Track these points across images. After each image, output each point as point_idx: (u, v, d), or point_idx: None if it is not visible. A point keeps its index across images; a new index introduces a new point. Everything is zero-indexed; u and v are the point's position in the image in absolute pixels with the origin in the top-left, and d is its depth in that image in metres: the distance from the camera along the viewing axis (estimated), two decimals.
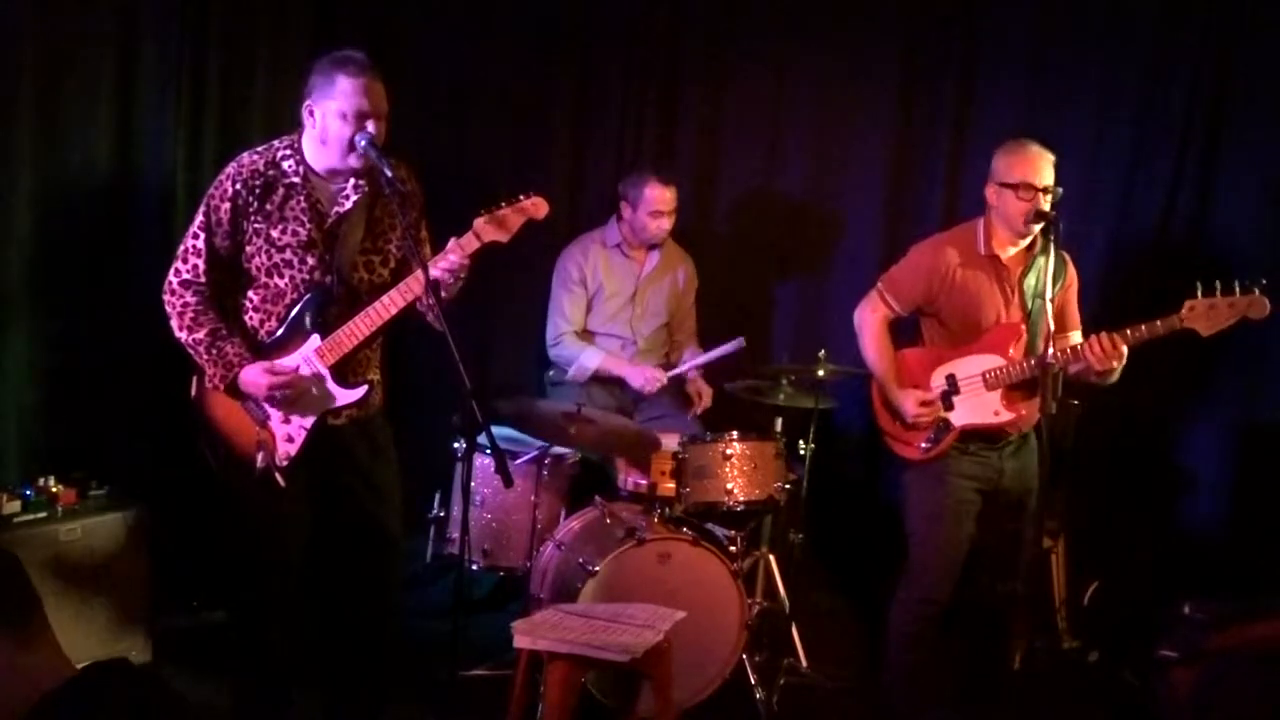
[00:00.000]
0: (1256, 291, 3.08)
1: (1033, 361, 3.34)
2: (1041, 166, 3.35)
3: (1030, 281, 3.44)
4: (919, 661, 3.59)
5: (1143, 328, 3.19)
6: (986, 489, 3.51)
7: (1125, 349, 3.21)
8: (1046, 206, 3.32)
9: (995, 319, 3.46)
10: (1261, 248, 4.20)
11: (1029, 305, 3.44)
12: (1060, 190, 3.34)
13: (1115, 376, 3.30)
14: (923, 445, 3.50)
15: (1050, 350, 3.24)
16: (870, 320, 3.60)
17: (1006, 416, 3.41)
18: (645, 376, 4.22)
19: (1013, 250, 3.46)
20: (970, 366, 3.45)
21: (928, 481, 3.52)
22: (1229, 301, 3.10)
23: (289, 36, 4.12)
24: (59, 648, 1.62)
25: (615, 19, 4.72)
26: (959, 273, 3.46)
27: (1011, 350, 3.41)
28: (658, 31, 4.72)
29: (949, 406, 3.48)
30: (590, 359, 4.27)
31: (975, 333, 3.48)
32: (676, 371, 4.30)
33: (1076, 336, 3.46)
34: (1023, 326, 3.43)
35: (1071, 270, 3.53)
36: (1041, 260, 3.38)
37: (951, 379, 3.48)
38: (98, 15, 3.66)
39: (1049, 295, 3.27)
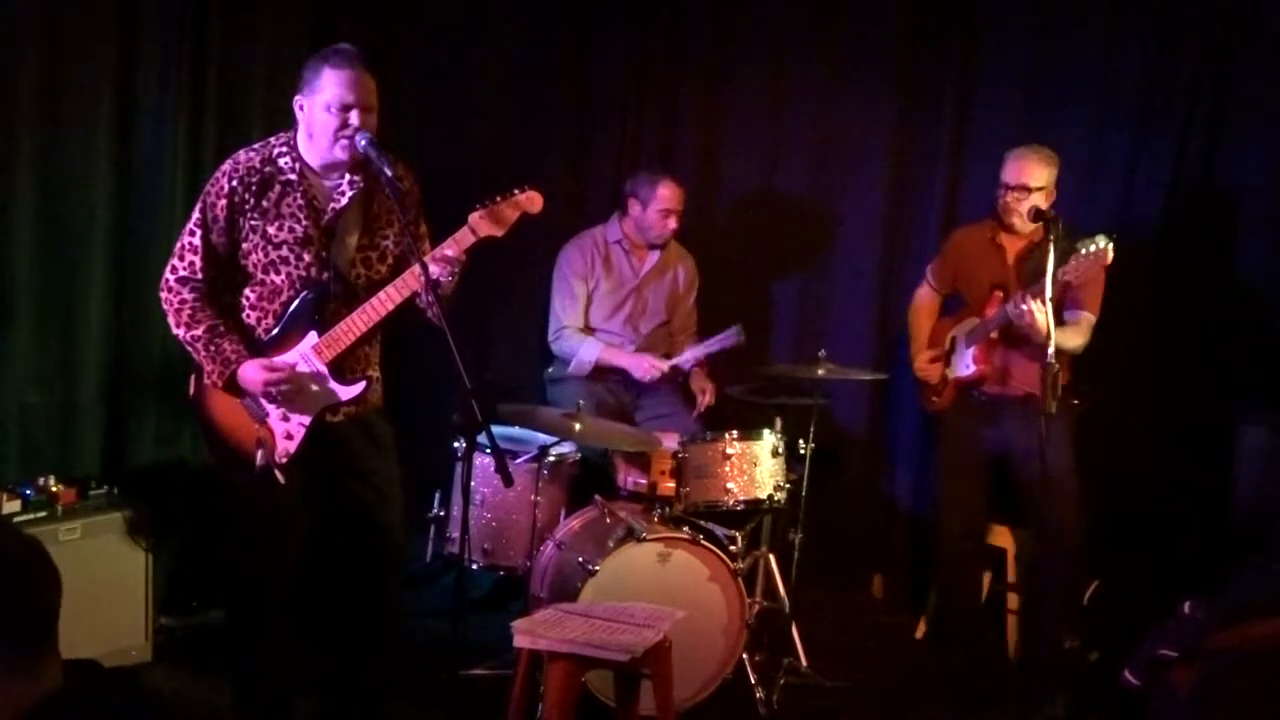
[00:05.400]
0: (1104, 242, 3.34)
1: (996, 312, 3.72)
2: (1027, 168, 3.72)
3: (1029, 267, 3.73)
4: (965, 607, 4.02)
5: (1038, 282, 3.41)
6: (999, 450, 3.89)
7: (1036, 301, 3.39)
8: (1043, 204, 3.66)
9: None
10: (1260, 248, 4.20)
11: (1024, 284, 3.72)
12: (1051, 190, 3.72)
13: (1049, 336, 3.29)
14: (933, 399, 4.09)
15: (1050, 351, 3.27)
16: (916, 296, 4.23)
17: (972, 369, 3.87)
18: (645, 366, 4.23)
19: (1018, 240, 3.86)
20: (964, 328, 3.96)
21: (943, 434, 4.11)
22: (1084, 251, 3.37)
23: (289, 37, 4.12)
24: (59, 666, 1.52)
25: (615, 19, 4.72)
26: (970, 255, 3.97)
27: (988, 312, 3.81)
28: (658, 31, 4.72)
29: (948, 364, 4.01)
30: (589, 351, 4.27)
31: (980, 305, 3.91)
32: (675, 362, 4.30)
33: (1087, 317, 3.75)
34: (999, 294, 3.79)
35: (1076, 261, 3.46)
36: (1049, 250, 3.47)
37: (954, 340, 4.00)
38: (98, 15, 3.66)
39: (1048, 293, 3.34)
